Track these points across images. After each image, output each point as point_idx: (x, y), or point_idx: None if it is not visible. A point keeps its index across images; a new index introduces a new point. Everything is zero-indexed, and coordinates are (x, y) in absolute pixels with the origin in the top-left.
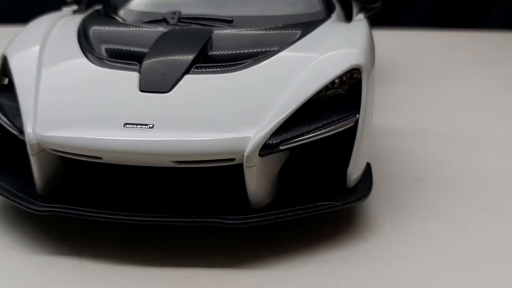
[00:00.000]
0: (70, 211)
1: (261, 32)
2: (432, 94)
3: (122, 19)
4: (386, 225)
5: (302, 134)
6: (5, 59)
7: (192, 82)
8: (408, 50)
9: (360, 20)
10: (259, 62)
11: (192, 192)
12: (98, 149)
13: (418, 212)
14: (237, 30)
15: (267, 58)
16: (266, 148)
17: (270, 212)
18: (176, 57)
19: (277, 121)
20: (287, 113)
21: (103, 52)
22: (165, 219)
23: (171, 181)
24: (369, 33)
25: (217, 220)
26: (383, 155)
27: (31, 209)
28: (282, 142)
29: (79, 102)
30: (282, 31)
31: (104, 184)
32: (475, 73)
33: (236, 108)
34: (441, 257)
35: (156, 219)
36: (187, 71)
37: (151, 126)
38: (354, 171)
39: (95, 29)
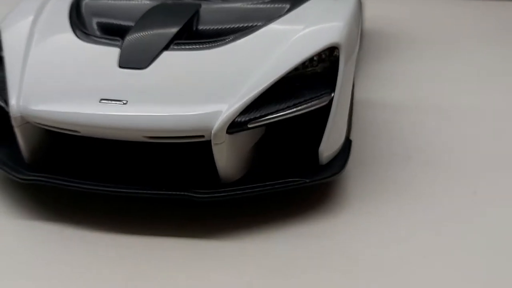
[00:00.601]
0: (52, 180)
1: (248, 6)
2: (437, 68)
3: None
4: (358, 203)
5: (272, 113)
6: None
7: (169, 59)
8: (421, 18)
9: None
10: (239, 39)
11: (167, 165)
12: (75, 123)
13: (396, 191)
14: (225, 4)
15: (249, 34)
16: (234, 126)
17: (238, 187)
18: (157, 33)
19: (246, 98)
20: (257, 91)
21: (94, 26)
22: (138, 191)
23: (147, 154)
24: (357, 6)
25: (186, 194)
26: (373, 131)
27: (16, 177)
28: (250, 120)
29: (62, 77)
30: (270, 5)
31: (85, 155)
32: (493, 46)
33: (209, 85)
34: (407, 237)
35: (130, 191)
36: (166, 48)
37: (125, 102)
38: (326, 149)
39: (87, 3)
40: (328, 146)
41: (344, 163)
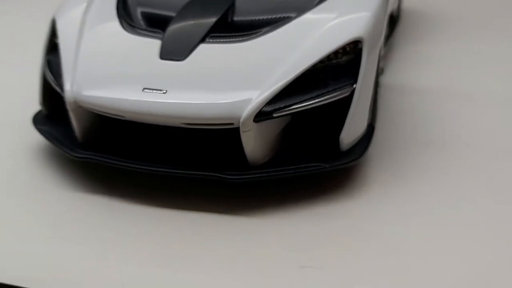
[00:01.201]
0: (100, 158)
1: None
2: (474, 49)
3: None
4: (377, 186)
5: (296, 103)
6: (54, 21)
7: (204, 51)
8: None
9: None
10: (269, 32)
11: (202, 147)
12: (121, 110)
13: (414, 175)
14: None
15: (278, 28)
16: (260, 115)
17: (264, 170)
18: (194, 26)
19: (272, 89)
20: (283, 82)
21: (139, 16)
22: (176, 171)
23: (185, 136)
24: (384, 2)
25: (217, 175)
26: (398, 116)
27: (70, 154)
28: (276, 110)
29: (110, 66)
30: None
31: (131, 136)
32: None
33: (239, 76)
34: (423, 217)
35: (168, 170)
36: (202, 40)
37: (164, 91)
38: (347, 137)
39: None
40: (349, 134)
41: (364, 149)
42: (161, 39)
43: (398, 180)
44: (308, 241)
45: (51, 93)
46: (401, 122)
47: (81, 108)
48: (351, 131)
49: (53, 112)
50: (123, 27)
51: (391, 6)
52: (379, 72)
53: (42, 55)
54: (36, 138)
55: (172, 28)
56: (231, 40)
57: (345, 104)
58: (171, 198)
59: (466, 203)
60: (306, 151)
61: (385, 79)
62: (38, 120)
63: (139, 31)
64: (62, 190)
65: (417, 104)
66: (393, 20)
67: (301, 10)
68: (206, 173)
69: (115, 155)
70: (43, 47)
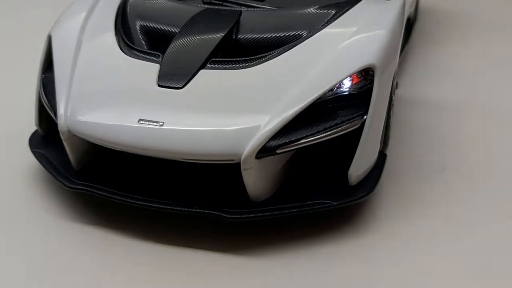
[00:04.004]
0: (95, 190)
1: (290, 12)
2: (496, 57)
3: None
4: (386, 223)
5: (302, 138)
6: (50, 38)
7: (205, 79)
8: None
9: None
10: (275, 57)
11: (200, 181)
12: (115, 142)
13: (427, 210)
14: (266, 11)
15: (285, 51)
16: (263, 152)
17: (266, 208)
18: (195, 49)
19: (276, 123)
20: (288, 115)
21: (138, 33)
22: (173, 208)
23: (182, 170)
24: (401, 12)
25: (216, 213)
26: (410, 134)
27: (64, 185)
28: (279, 146)
29: (105, 92)
30: (314, 11)
31: (127, 166)
32: None
33: (241, 107)
34: (436, 266)
35: (165, 207)
36: (203, 65)
37: (161, 124)
38: (356, 171)
39: (132, 4)
40: (358, 168)
41: (375, 184)
42: (159, 63)
43: (410, 215)
44: (314, 286)
45: (47, 115)
46: (414, 143)
47: (75, 136)
48: (360, 165)
49: (49, 133)
50: (120, 47)
51: (408, 11)
52: (393, 90)
53: (38, 73)
54: (33, 158)
55: (171, 51)
56: (234, 65)
57: (354, 136)
58: (169, 233)
59: (486, 244)
60: (311, 185)
61: (397, 91)
62: (35, 142)
63: (136, 53)
64: (56, 219)
65: (432, 121)
66: (410, 24)
67: (311, 27)
68: (204, 211)
69: (112, 185)
70: (40, 65)
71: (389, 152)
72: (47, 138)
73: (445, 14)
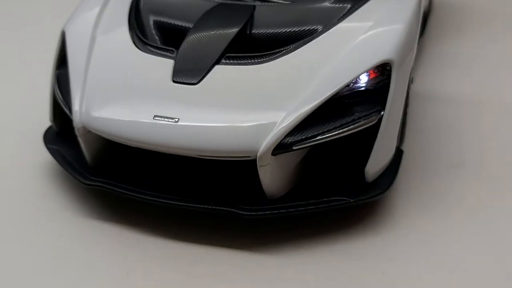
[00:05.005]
0: (111, 187)
1: (305, 6)
2: None
3: None
4: (403, 219)
5: (318, 134)
6: (64, 33)
7: (220, 74)
8: None
9: None
10: (290, 52)
11: (217, 178)
12: (131, 138)
13: (445, 206)
14: (280, 5)
15: (300, 46)
16: (279, 148)
17: (282, 205)
18: (209, 44)
19: (293, 120)
20: (304, 112)
21: (151, 28)
22: (188, 205)
23: (197, 166)
24: (418, 5)
25: (232, 210)
26: (427, 129)
27: (79, 181)
28: (296, 142)
29: (120, 89)
30: (329, 5)
31: (143, 162)
32: None
33: (257, 103)
34: (455, 262)
35: (180, 203)
36: (218, 61)
37: (176, 120)
38: (373, 167)
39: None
40: (375, 164)
41: (392, 180)
42: (174, 58)
43: (428, 212)
44: (331, 284)
45: (61, 111)
46: (431, 138)
47: (90, 133)
48: (377, 161)
49: (64, 129)
50: (134, 43)
51: (423, 3)
52: (409, 85)
53: (52, 69)
54: (47, 154)
55: (185, 46)
56: (248, 61)
57: (371, 132)
58: (184, 230)
59: (505, 241)
60: (328, 182)
61: (413, 86)
62: (49, 138)
63: (151, 49)
64: (71, 215)
65: (450, 116)
66: (424, 17)
67: (327, 21)
68: (220, 208)
69: (127, 182)
70: (54, 60)
71: (405, 147)
72: (62, 134)
73: (460, 5)
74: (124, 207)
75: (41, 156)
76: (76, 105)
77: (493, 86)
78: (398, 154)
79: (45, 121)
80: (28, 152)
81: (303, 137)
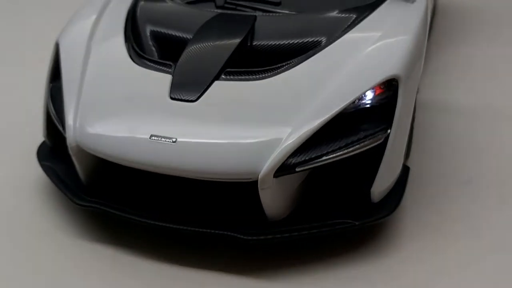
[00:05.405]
0: (105, 208)
1: (308, 18)
2: None
3: None
4: (410, 241)
5: (322, 155)
6: (57, 45)
7: (219, 91)
8: None
9: (419, 3)
10: (293, 66)
11: (215, 200)
12: (126, 159)
13: (453, 225)
14: (282, 16)
15: (304, 60)
16: (281, 170)
17: (285, 229)
18: (208, 58)
19: (295, 140)
20: (308, 131)
21: (148, 39)
22: (185, 228)
23: (196, 188)
24: (426, 14)
25: (232, 234)
26: (431, 141)
27: (73, 201)
28: (299, 163)
29: (115, 106)
30: (333, 17)
31: (139, 182)
32: None
33: (258, 123)
34: (465, 286)
35: (177, 227)
36: (217, 76)
37: (174, 140)
38: (379, 187)
39: (142, 8)
40: (381, 184)
41: (399, 200)
42: (172, 73)
43: (436, 233)
44: None
45: (55, 126)
46: (436, 152)
47: (84, 151)
48: (383, 181)
49: (58, 145)
50: (130, 56)
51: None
52: (416, 95)
53: (46, 82)
54: (40, 170)
55: (183, 60)
56: (250, 76)
57: (377, 151)
58: (180, 253)
59: None
60: (332, 203)
61: (418, 96)
62: (43, 154)
63: (147, 63)
64: (64, 236)
65: (456, 127)
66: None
67: (332, 32)
68: (219, 232)
69: (123, 202)
70: (47, 73)
71: (411, 162)
72: (56, 150)
73: (465, 8)
74: (120, 228)
75: (35, 172)
76: (69, 123)
77: (506, 94)
78: (404, 171)
79: (40, 135)
80: (22, 168)
81: (307, 157)
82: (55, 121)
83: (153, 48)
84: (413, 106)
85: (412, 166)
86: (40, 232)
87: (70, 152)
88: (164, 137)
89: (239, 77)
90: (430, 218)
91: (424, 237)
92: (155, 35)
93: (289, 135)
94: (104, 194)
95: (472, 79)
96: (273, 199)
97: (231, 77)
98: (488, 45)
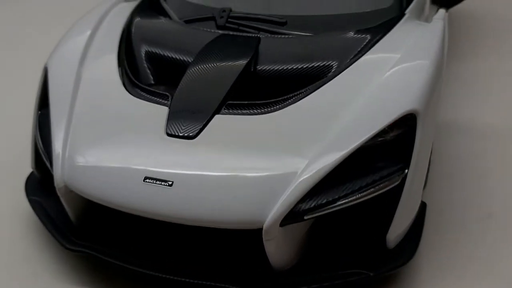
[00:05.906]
0: (95, 253)
1: (317, 40)
2: None
3: (171, 11)
4: (430, 285)
5: (333, 201)
6: (46, 70)
7: (221, 126)
8: None
9: (436, 23)
10: (301, 99)
11: (215, 246)
12: (117, 204)
13: (473, 267)
14: (288, 38)
15: (315, 89)
16: (288, 219)
17: (292, 281)
18: (208, 89)
19: (303, 186)
20: (317, 175)
21: (144, 64)
22: (184, 279)
23: (193, 235)
24: (443, 39)
25: (234, 287)
26: (448, 169)
27: (62, 244)
28: (308, 210)
29: (107, 143)
30: (344, 39)
31: (131, 227)
32: None
33: (263, 165)
34: None
35: (175, 278)
36: (218, 110)
37: (170, 183)
38: (395, 232)
39: (137, 26)
40: (397, 229)
41: (416, 245)
42: (168, 105)
43: (457, 277)
44: None
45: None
46: (453, 182)
47: (73, 193)
48: (400, 225)
49: (47, 177)
50: (124, 84)
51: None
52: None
53: (34, 110)
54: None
55: (181, 90)
56: (253, 109)
57: (393, 193)
58: None
59: None
60: (342, 250)
61: None
62: (31, 186)
63: (141, 93)
64: (53, 279)
65: (473, 152)
66: None
67: (344, 55)
68: (219, 285)
69: (115, 246)
70: (36, 100)
71: (427, 196)
72: (44, 181)
73: (477, 19)
74: (110, 272)
75: (23, 206)
76: (58, 161)
77: None
78: (421, 209)
79: (28, 165)
80: (8, 202)
81: (316, 203)
82: (43, 156)
83: (149, 71)
84: (431, 141)
85: (428, 199)
86: (28, 274)
87: (58, 193)
88: (159, 180)
89: (242, 110)
90: (450, 260)
91: (444, 283)
92: (151, 58)
93: (295, 179)
94: (95, 235)
95: (489, 98)
96: (278, 248)
97: (234, 110)
98: (505, 60)
